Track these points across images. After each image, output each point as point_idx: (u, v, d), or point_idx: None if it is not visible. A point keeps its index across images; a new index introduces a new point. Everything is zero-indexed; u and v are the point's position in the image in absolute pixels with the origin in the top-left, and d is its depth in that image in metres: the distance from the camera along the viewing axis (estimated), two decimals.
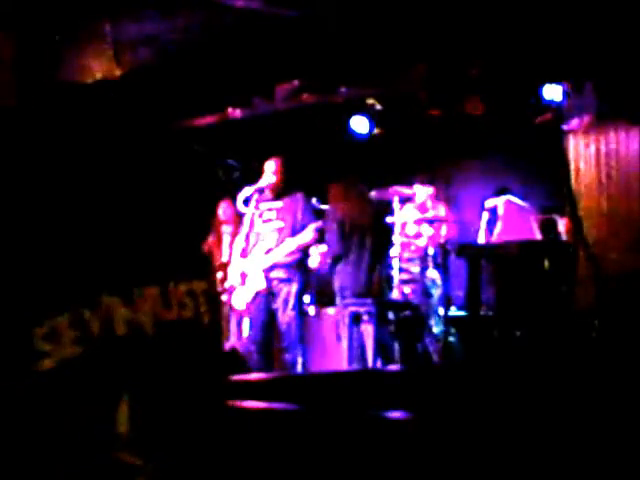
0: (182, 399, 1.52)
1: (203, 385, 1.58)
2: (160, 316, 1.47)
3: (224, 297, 7.64)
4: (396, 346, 7.55)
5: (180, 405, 1.54)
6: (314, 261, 7.71)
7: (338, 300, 7.75)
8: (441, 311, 7.87)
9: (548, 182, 8.32)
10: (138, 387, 1.47)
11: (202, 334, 1.59)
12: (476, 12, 6.75)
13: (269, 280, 6.96)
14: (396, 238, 8.04)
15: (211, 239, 8.47)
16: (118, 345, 1.47)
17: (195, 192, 1.73)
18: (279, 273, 6.98)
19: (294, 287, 6.93)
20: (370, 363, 7.32)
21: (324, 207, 8.12)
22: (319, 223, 7.12)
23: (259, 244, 7.08)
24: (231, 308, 7.69)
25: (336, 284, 7.61)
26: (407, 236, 8.43)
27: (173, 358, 1.52)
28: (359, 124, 9.09)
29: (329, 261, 7.59)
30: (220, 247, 8.51)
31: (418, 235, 8.45)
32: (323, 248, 7.73)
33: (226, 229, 8.62)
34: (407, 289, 8.15)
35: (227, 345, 6.90)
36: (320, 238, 7.27)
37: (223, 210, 8.60)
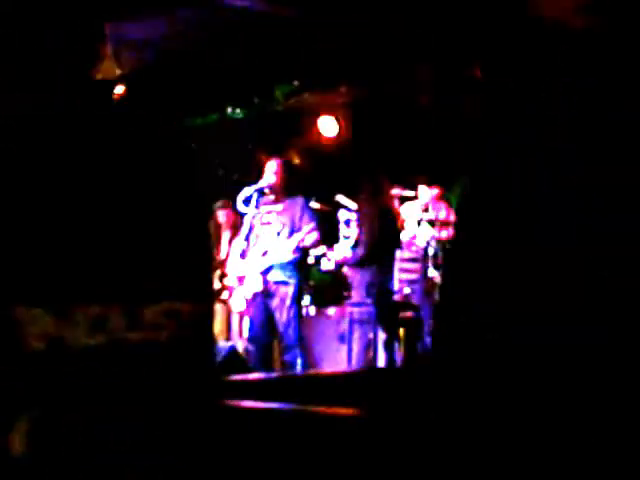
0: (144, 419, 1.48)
1: (179, 403, 1.52)
2: (115, 335, 1.40)
3: (224, 295, 7.63)
4: (396, 346, 7.54)
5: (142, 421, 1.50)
6: (328, 264, 7.82)
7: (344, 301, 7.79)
8: None
9: None
10: (49, 405, 1.39)
11: (181, 355, 1.51)
12: (476, 12, 6.74)
13: (266, 282, 6.94)
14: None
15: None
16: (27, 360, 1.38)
17: (190, 197, 1.64)
18: (276, 275, 6.94)
19: (291, 289, 6.90)
20: (371, 363, 7.30)
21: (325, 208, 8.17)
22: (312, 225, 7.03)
23: (257, 246, 7.05)
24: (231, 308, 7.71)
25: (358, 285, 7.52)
26: (408, 236, 8.43)
27: (128, 378, 1.46)
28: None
29: (353, 262, 7.56)
30: (218, 247, 8.48)
31: (419, 235, 8.45)
32: (335, 252, 7.82)
33: (225, 235, 8.56)
34: (407, 289, 8.15)
35: (227, 345, 6.90)
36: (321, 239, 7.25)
37: (223, 215, 8.57)
